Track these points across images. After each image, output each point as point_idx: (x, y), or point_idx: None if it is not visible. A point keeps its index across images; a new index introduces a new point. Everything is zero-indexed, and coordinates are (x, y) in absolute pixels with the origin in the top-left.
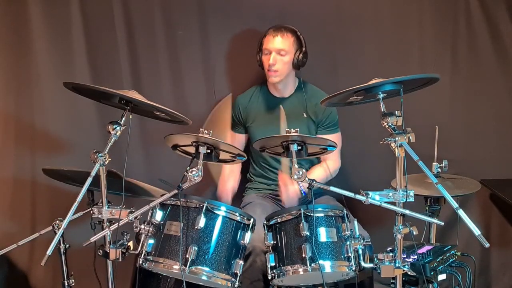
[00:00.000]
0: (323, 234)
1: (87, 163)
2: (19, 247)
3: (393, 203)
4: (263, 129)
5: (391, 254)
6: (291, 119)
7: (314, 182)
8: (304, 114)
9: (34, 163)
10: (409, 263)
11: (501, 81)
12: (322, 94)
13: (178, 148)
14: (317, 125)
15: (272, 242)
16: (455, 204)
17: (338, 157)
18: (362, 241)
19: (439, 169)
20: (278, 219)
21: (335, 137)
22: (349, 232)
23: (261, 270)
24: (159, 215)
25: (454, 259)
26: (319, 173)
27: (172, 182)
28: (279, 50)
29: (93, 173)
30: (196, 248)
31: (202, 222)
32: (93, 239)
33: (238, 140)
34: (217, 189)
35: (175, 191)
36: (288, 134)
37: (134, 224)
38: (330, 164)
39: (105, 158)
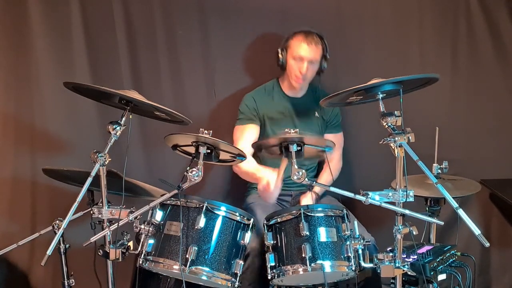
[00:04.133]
0: (323, 234)
1: (87, 163)
2: (19, 247)
3: (393, 203)
4: (278, 128)
5: (391, 254)
6: (305, 118)
7: (314, 182)
8: (316, 113)
9: (34, 163)
10: (409, 263)
11: (501, 81)
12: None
13: (178, 148)
14: (326, 124)
15: (272, 242)
16: (455, 204)
17: (340, 158)
18: (362, 241)
19: (439, 170)
20: (278, 219)
21: (339, 136)
22: (349, 232)
23: (260, 271)
24: (159, 215)
25: (454, 259)
26: (327, 177)
27: (172, 182)
28: (312, 59)
29: (93, 173)
30: (196, 248)
31: (202, 222)
32: (93, 239)
33: (257, 131)
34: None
35: (175, 191)
36: (287, 135)
37: (134, 224)
38: (333, 165)
39: (105, 158)
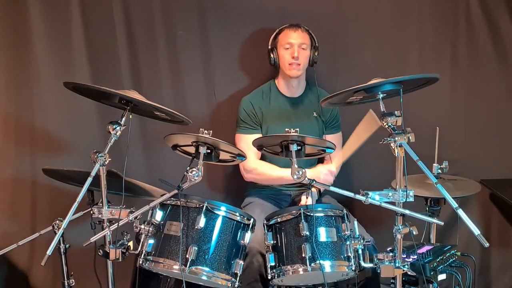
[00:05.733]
0: (323, 234)
1: (87, 163)
2: (19, 247)
3: (393, 203)
4: (277, 129)
5: (391, 254)
6: (303, 118)
7: (314, 182)
8: (315, 113)
9: (34, 163)
10: (409, 263)
11: (501, 81)
12: (327, 94)
13: (178, 148)
14: (325, 124)
15: (272, 241)
16: (455, 204)
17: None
18: (362, 241)
19: (439, 170)
20: (278, 219)
21: (338, 136)
22: (349, 232)
23: (258, 271)
24: (159, 215)
25: (454, 259)
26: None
27: (172, 182)
28: (301, 43)
29: (93, 173)
30: (196, 248)
31: (202, 222)
32: (93, 239)
33: None
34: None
35: (175, 191)
36: (288, 134)
37: (134, 224)
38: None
39: (105, 158)
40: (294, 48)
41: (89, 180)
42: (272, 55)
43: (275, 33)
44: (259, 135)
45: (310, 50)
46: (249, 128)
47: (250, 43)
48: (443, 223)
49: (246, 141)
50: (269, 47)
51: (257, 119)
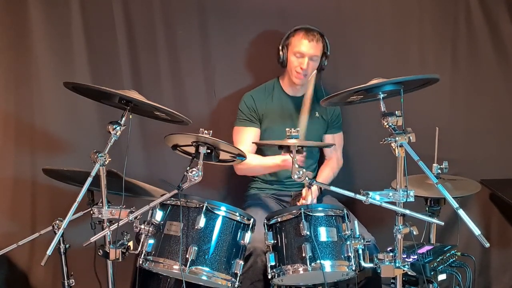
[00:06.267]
0: (323, 233)
1: (87, 163)
2: (19, 247)
3: (393, 203)
4: (278, 127)
5: (391, 254)
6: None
7: (314, 181)
8: (317, 113)
9: (34, 163)
10: (409, 263)
11: (501, 81)
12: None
13: (178, 148)
14: (327, 124)
15: (272, 241)
16: (455, 204)
17: (340, 157)
18: (362, 240)
19: (439, 171)
20: (279, 219)
21: (340, 136)
22: (349, 232)
23: (262, 271)
24: (159, 215)
25: (454, 259)
26: (327, 174)
27: (172, 182)
28: (312, 55)
29: (93, 173)
30: (196, 248)
31: (202, 222)
32: (93, 239)
33: (257, 134)
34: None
35: (175, 191)
36: (287, 134)
37: (134, 224)
38: (332, 164)
39: (105, 158)
40: (304, 59)
41: (89, 180)
42: (281, 54)
43: (289, 32)
44: (256, 129)
45: (320, 60)
46: (246, 121)
47: (250, 43)
48: (443, 223)
49: (242, 133)
50: (280, 45)
51: (257, 114)
